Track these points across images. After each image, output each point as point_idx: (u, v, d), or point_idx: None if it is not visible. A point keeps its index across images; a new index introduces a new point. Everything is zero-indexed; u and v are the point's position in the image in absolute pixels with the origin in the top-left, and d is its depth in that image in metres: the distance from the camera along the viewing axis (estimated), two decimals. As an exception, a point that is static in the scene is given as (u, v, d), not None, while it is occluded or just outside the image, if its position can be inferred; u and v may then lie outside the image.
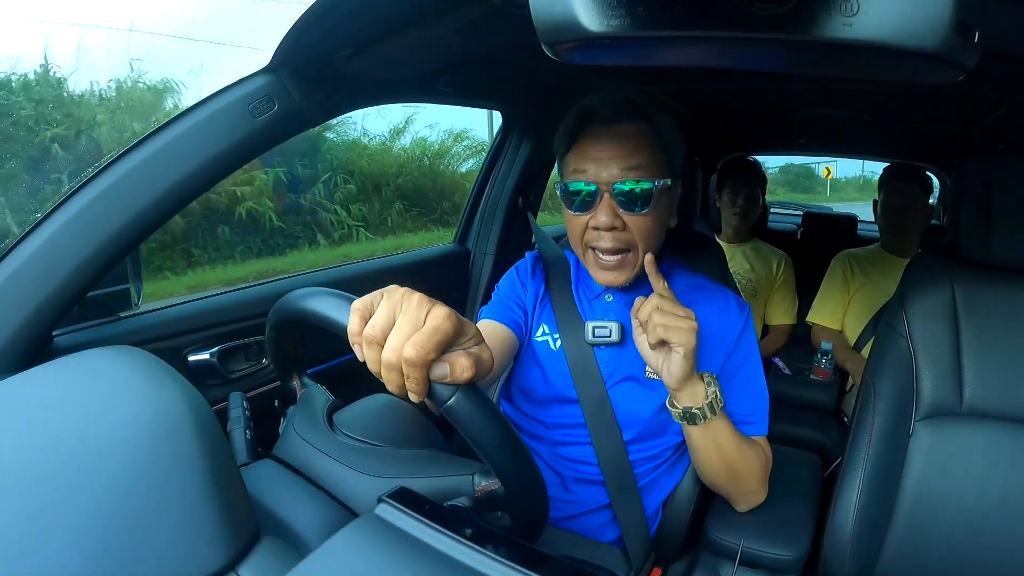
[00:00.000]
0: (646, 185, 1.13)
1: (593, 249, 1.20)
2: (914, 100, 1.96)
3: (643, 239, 1.17)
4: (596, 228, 1.16)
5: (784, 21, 0.58)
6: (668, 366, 1.05)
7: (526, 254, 1.44)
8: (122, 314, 1.32)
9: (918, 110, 2.15)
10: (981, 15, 0.57)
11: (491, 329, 1.28)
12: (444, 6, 1.02)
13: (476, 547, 0.60)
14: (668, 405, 1.12)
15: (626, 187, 1.13)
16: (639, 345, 1.09)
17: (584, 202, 1.16)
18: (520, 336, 1.32)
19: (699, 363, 1.13)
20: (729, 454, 1.16)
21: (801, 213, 3.94)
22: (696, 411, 1.09)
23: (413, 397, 0.69)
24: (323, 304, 0.77)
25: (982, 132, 2.27)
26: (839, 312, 2.66)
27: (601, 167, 1.14)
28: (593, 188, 1.14)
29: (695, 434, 1.14)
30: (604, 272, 1.21)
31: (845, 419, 2.38)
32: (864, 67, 0.65)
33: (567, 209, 1.20)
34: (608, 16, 0.62)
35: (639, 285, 1.23)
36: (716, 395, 1.09)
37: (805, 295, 2.84)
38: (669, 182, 1.17)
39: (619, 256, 1.18)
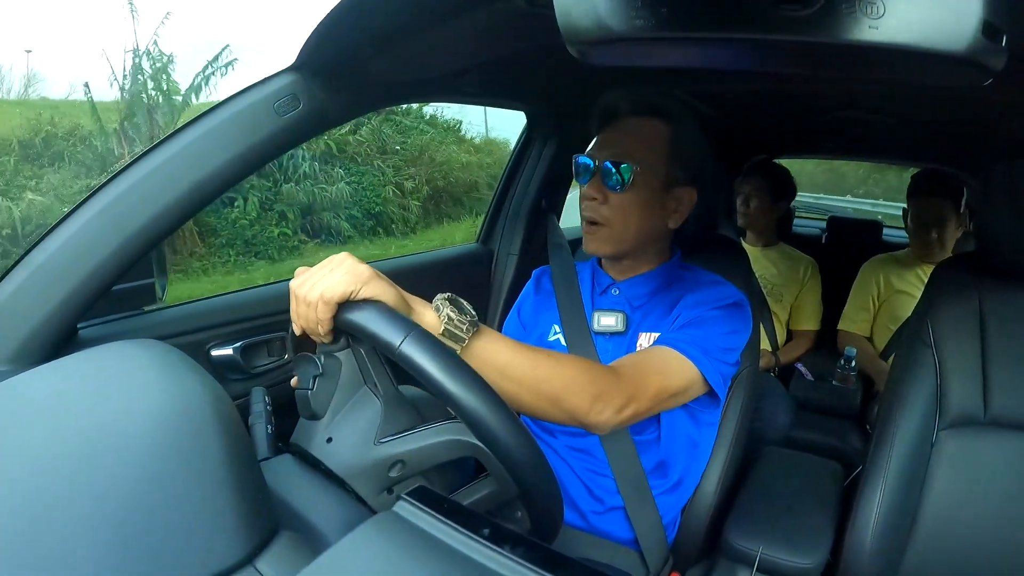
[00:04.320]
0: (625, 167, 1.22)
1: (583, 219, 1.31)
2: (942, 104, 1.94)
3: (618, 217, 1.26)
4: (584, 198, 1.28)
5: (809, 23, 0.57)
6: None
7: (532, 273, 1.53)
8: (146, 308, 1.34)
9: (946, 114, 2.12)
10: (1009, 17, 0.56)
11: None
12: (468, 5, 1.03)
13: (494, 547, 0.60)
14: None
15: (609, 166, 1.23)
16: None
17: (583, 176, 1.28)
18: None
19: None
20: (523, 376, 0.96)
21: (826, 218, 3.90)
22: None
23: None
24: None
25: (1011, 136, 2.23)
26: (869, 320, 2.64)
27: (602, 149, 1.27)
28: (590, 164, 1.26)
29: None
30: (586, 239, 1.31)
31: (868, 427, 2.35)
32: (890, 69, 0.65)
33: (576, 179, 1.33)
34: (632, 17, 0.62)
35: (638, 280, 1.35)
36: (453, 319, 0.89)
37: (829, 300, 2.82)
38: (661, 181, 1.25)
39: (595, 227, 1.28)
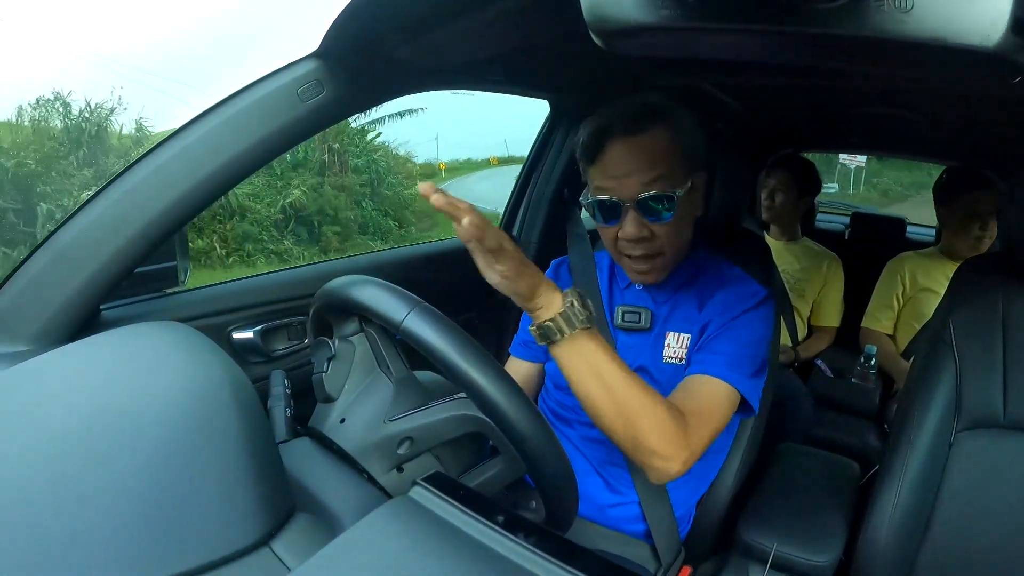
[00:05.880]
0: (668, 195, 1.13)
1: (627, 256, 1.22)
2: (970, 101, 1.91)
3: (671, 242, 1.20)
4: (626, 239, 1.19)
5: (838, 15, 0.56)
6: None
7: (551, 262, 1.48)
8: (168, 290, 1.35)
9: (974, 112, 2.09)
10: None
11: (516, 368, 1.44)
12: (494, -7, 1.02)
13: (508, 535, 0.60)
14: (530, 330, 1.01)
15: (649, 200, 1.13)
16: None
17: (611, 216, 1.18)
18: (540, 358, 1.43)
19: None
20: (614, 385, 0.98)
21: (850, 213, 3.86)
22: (549, 323, 0.94)
23: None
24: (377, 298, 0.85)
25: None
26: (893, 317, 2.61)
27: (623, 183, 1.15)
28: (618, 204, 1.16)
29: (562, 357, 0.98)
30: (638, 275, 1.26)
31: (886, 426, 2.33)
32: (918, 64, 0.64)
33: (596, 221, 1.22)
34: (659, 7, 0.61)
35: (670, 277, 1.29)
36: (575, 306, 0.94)
37: (851, 296, 2.80)
38: (690, 184, 1.17)
39: (648, 259, 1.21)
